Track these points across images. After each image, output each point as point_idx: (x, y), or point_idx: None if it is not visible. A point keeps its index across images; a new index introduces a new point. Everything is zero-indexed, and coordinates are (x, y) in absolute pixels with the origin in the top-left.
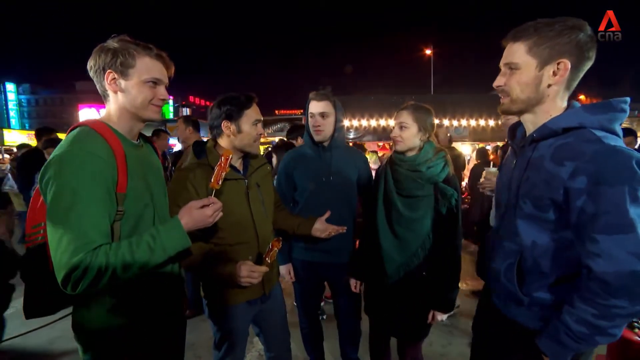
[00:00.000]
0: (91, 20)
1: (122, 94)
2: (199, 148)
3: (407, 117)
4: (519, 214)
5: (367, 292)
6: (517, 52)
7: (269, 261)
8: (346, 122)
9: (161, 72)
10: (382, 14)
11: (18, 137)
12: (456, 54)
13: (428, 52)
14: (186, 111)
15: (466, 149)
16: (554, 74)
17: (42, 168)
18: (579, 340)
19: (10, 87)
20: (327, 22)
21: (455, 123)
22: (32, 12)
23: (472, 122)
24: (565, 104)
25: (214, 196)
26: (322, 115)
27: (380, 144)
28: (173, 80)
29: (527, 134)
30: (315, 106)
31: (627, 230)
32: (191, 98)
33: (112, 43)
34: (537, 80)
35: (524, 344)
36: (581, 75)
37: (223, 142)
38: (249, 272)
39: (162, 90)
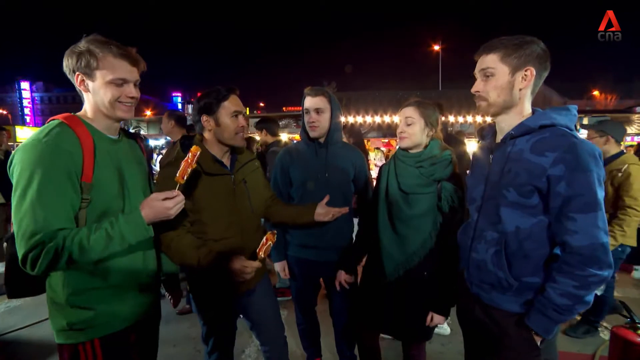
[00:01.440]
0: (104, 19)
1: (91, 95)
2: (187, 142)
3: (413, 112)
4: (503, 202)
5: (364, 290)
6: (491, 61)
7: (262, 255)
8: (350, 119)
9: (127, 71)
10: (389, 10)
11: (30, 133)
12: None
13: (436, 47)
14: (191, 108)
15: (472, 145)
16: (523, 79)
17: (10, 155)
18: (563, 312)
19: (24, 85)
20: (331, 19)
21: (460, 119)
22: (44, 11)
23: (479, 119)
24: (530, 108)
25: (178, 189)
26: (317, 111)
27: (385, 140)
28: (182, 77)
29: (501, 134)
30: (310, 102)
31: (597, 209)
32: (199, 95)
33: (80, 45)
34: (511, 84)
35: (512, 328)
36: (541, 82)
37: (207, 135)
38: (242, 267)
39: (129, 89)
